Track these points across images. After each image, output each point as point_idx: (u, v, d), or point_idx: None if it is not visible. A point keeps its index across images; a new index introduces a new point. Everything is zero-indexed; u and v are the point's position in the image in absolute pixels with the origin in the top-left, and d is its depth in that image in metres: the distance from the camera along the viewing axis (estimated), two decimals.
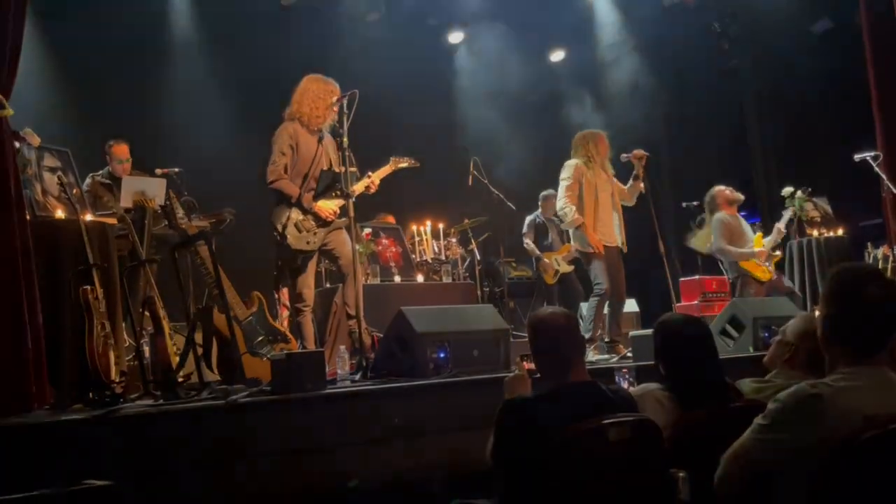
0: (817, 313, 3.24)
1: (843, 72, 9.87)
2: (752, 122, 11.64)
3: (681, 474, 2.73)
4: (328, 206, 5.54)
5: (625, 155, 6.87)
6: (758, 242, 7.66)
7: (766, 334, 5.68)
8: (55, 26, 7.40)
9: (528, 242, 9.06)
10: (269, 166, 5.54)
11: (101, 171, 6.52)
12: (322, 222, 5.55)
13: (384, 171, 5.91)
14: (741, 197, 7.83)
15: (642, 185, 6.73)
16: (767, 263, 7.57)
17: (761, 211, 11.08)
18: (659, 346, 3.18)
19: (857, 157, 7.28)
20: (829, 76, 10.23)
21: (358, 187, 5.61)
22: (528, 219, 9.17)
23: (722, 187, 7.84)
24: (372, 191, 5.77)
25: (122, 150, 6.56)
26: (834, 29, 10.41)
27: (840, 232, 8.68)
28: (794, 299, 7.22)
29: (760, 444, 2.33)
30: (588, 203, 6.54)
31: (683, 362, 3.08)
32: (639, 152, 6.75)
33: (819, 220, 8.74)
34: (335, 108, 5.50)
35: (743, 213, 8.26)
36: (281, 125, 5.64)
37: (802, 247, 8.52)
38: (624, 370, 3.47)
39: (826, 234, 8.58)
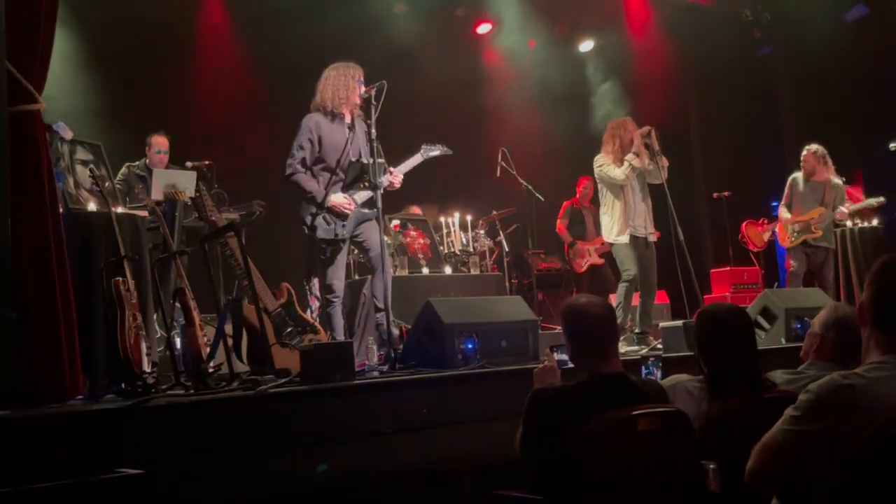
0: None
1: (879, 59, 9.70)
2: (786, 111, 11.47)
3: (711, 466, 2.71)
4: (338, 200, 5.49)
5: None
6: (813, 213, 7.68)
7: (799, 325, 5.61)
8: (87, 19, 7.47)
9: (562, 228, 9.05)
10: (287, 160, 5.55)
11: (136, 162, 6.63)
12: (341, 215, 5.52)
13: (413, 160, 5.86)
14: (810, 169, 7.72)
15: (664, 159, 6.51)
16: (798, 233, 7.51)
17: None
18: (701, 334, 3.13)
19: (892, 145, 7.17)
20: (865, 63, 10.05)
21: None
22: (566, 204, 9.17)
23: (813, 149, 7.76)
24: (396, 186, 5.67)
25: (162, 142, 6.76)
26: (869, 15, 10.23)
27: (875, 222, 8.53)
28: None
29: (792, 435, 2.29)
30: (615, 198, 6.49)
31: (724, 351, 3.04)
32: (642, 130, 6.54)
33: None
34: (359, 88, 5.51)
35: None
36: (304, 117, 5.63)
37: (836, 237, 8.39)
38: (651, 358, 3.43)
39: (860, 224, 8.44)
